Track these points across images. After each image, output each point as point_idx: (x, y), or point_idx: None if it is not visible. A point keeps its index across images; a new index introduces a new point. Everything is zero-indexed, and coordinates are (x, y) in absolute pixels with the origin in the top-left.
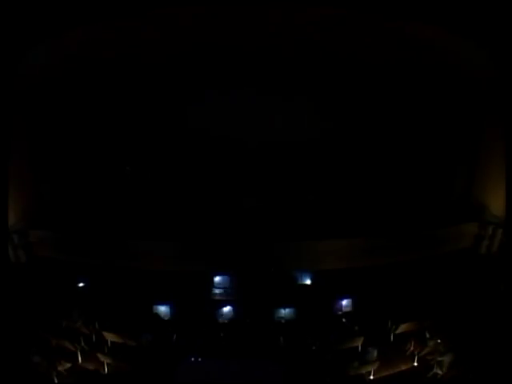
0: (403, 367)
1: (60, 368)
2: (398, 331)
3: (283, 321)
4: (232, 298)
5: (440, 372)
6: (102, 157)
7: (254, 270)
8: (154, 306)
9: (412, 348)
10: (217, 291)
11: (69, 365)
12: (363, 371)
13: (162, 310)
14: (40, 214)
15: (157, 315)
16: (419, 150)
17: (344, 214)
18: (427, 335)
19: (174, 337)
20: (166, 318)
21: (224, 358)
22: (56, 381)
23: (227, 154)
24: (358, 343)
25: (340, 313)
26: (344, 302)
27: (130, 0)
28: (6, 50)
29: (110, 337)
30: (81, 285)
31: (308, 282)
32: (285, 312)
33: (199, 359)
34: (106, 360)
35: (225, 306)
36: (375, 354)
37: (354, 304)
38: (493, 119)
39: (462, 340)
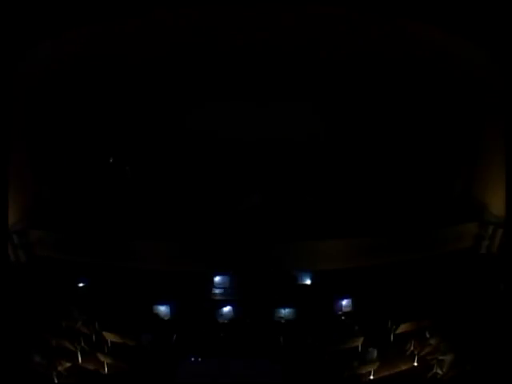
0: (403, 367)
1: (60, 368)
2: (398, 331)
3: (283, 321)
4: (232, 298)
5: (440, 372)
6: (102, 157)
7: (253, 270)
8: (154, 306)
9: (412, 348)
10: (217, 291)
11: (69, 365)
12: (363, 371)
13: (162, 309)
14: (40, 213)
15: (157, 315)
16: (419, 149)
17: (344, 214)
18: (427, 335)
19: (174, 337)
20: (166, 318)
21: (224, 358)
22: (56, 381)
23: (226, 155)
24: (358, 343)
25: (340, 313)
26: (344, 302)
27: (130, 0)
28: (6, 49)
29: (110, 337)
30: (81, 285)
31: (308, 282)
32: (285, 312)
33: (199, 359)
34: (106, 360)
35: (225, 305)
36: (375, 354)
37: (354, 304)
38: (493, 119)
39: (462, 340)
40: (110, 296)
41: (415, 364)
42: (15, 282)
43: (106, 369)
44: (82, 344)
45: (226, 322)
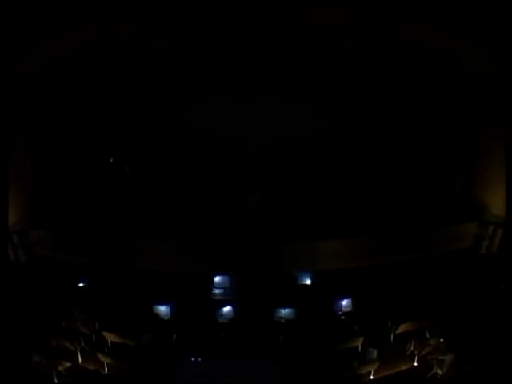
0: (403, 367)
1: (60, 368)
2: (398, 331)
3: (283, 321)
4: (232, 298)
5: (440, 372)
6: (102, 157)
7: (253, 270)
8: (154, 306)
9: (412, 348)
10: (217, 291)
11: (69, 365)
12: (363, 371)
13: (162, 309)
14: (40, 213)
15: (157, 315)
16: (419, 149)
17: (344, 214)
18: (427, 335)
19: (174, 337)
20: (166, 318)
21: (224, 358)
22: (56, 381)
23: (226, 155)
24: (358, 343)
25: (340, 313)
26: (344, 302)
27: (131, 0)
28: (5, 49)
29: (110, 337)
30: (81, 285)
31: (308, 282)
32: (285, 312)
33: (199, 359)
34: (106, 360)
35: (225, 305)
36: (375, 354)
37: (354, 304)
38: (493, 119)
39: (462, 340)
40: (110, 296)
41: (415, 364)
42: (15, 281)
43: (106, 369)
44: (82, 344)
45: (225, 321)
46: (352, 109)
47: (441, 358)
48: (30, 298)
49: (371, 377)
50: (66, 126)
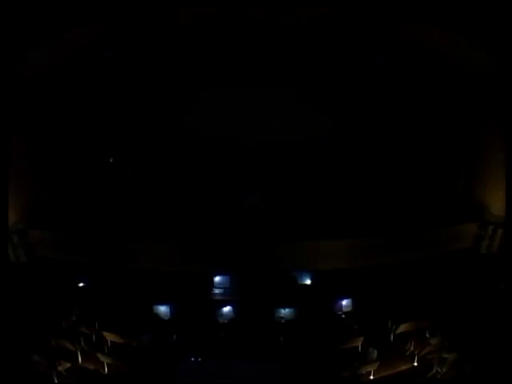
0: (403, 367)
1: (60, 368)
2: (398, 331)
3: (283, 321)
4: (232, 298)
5: (440, 371)
6: (102, 157)
7: (253, 270)
8: (154, 306)
9: (412, 348)
10: (217, 291)
11: (69, 365)
12: (363, 371)
13: (162, 310)
14: (40, 213)
15: (157, 315)
16: (419, 149)
17: (344, 214)
18: (427, 335)
19: (174, 337)
20: (166, 318)
21: (224, 358)
22: (56, 381)
23: (226, 154)
24: (358, 343)
25: (340, 313)
26: (344, 302)
27: (130, 0)
28: (5, 50)
29: (110, 337)
30: (81, 285)
31: (308, 282)
32: (285, 312)
33: (199, 359)
34: (106, 360)
35: (225, 306)
36: (375, 354)
37: (354, 304)
38: (493, 119)
39: (462, 340)
40: (110, 296)
41: (415, 364)
42: (15, 281)
43: (106, 369)
44: (82, 344)
45: (226, 321)
46: (352, 109)
47: (444, 356)
48: (30, 298)
49: (371, 377)
50: (66, 126)
